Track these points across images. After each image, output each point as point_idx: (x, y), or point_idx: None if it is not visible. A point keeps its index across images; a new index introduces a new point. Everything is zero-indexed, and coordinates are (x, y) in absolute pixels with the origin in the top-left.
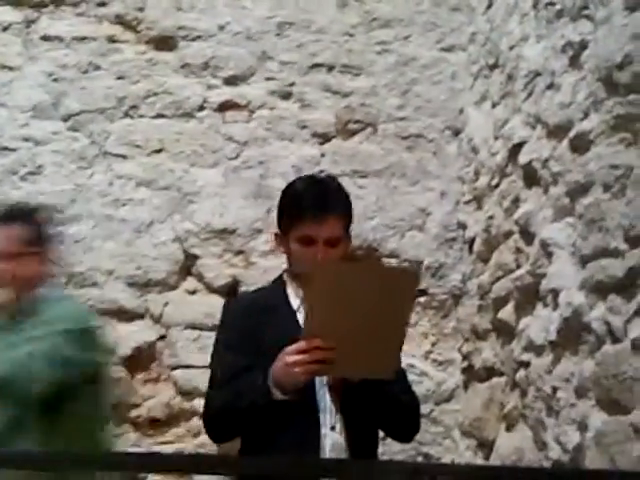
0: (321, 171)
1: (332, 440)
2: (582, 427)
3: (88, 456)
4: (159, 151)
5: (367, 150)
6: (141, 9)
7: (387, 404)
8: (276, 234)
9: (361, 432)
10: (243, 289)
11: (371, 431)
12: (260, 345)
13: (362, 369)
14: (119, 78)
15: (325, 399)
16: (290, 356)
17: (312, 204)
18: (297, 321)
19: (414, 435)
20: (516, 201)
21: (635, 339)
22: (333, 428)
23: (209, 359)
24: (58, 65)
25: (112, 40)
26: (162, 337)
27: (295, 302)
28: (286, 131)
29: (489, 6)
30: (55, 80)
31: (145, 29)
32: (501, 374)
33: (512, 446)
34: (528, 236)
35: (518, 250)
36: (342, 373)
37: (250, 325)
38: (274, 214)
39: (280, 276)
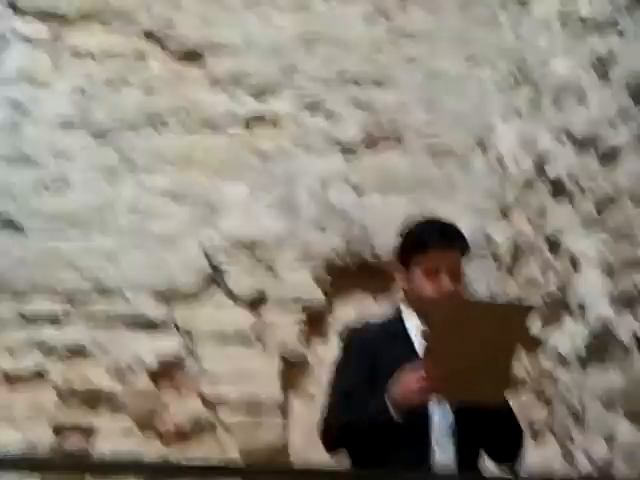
0: None
1: (440, 460)
2: (610, 440)
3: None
4: (187, 165)
5: (394, 164)
6: (169, 24)
7: (498, 425)
8: (399, 270)
9: (471, 454)
10: (269, 302)
11: (478, 454)
12: (377, 370)
13: (475, 393)
14: (147, 93)
15: (438, 419)
16: (409, 380)
17: (438, 236)
18: (414, 350)
19: (518, 458)
20: (543, 214)
21: None
22: (443, 449)
23: (329, 378)
24: (87, 80)
25: (140, 55)
26: (188, 348)
27: (412, 332)
28: (313, 145)
29: (517, 21)
30: (84, 95)
31: (173, 44)
32: (529, 387)
33: (540, 459)
34: (556, 249)
35: (546, 263)
36: (457, 397)
37: (370, 351)
38: (300, 227)
39: (397, 309)
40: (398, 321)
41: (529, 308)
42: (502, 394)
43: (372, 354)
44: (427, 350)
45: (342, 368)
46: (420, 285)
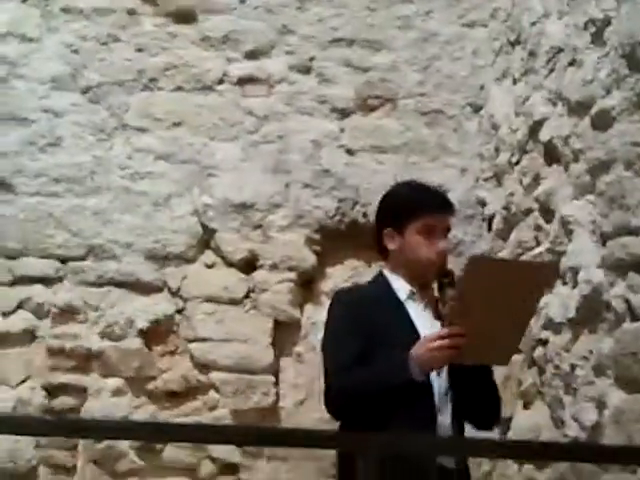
0: None
1: (441, 423)
2: (600, 405)
3: (104, 423)
4: (178, 124)
5: (387, 126)
6: None
7: (489, 391)
8: (388, 231)
9: (461, 417)
10: (261, 264)
11: (463, 418)
12: (372, 334)
13: (488, 357)
14: (139, 50)
15: (436, 383)
16: (433, 341)
17: (435, 200)
18: (406, 314)
19: (496, 424)
20: (536, 178)
21: None
22: (441, 411)
23: (322, 345)
24: (77, 37)
25: (132, 12)
26: (180, 310)
27: (402, 294)
28: (305, 106)
29: None
30: (74, 52)
31: (165, 2)
32: (519, 351)
33: (529, 423)
34: (548, 214)
35: (538, 228)
36: (471, 360)
37: (362, 315)
38: (292, 189)
39: (380, 273)
40: (384, 284)
41: (556, 264)
42: (510, 357)
43: (364, 317)
44: (451, 309)
45: (339, 332)
46: (416, 246)
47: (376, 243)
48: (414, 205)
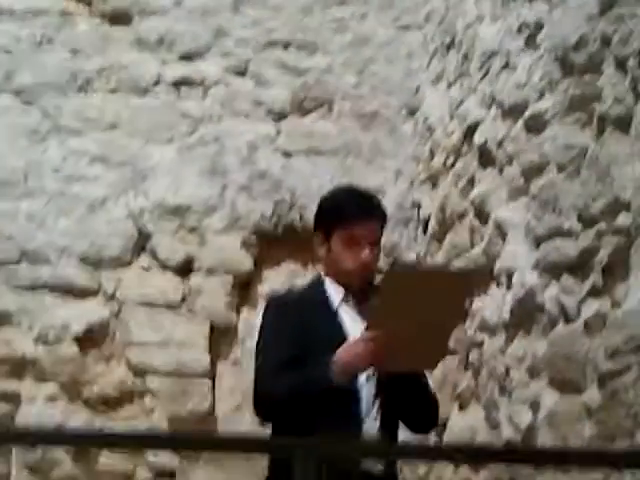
0: None
1: (367, 426)
2: (534, 407)
3: (38, 430)
4: (113, 127)
5: (322, 128)
6: None
7: (418, 396)
8: (318, 237)
9: (392, 421)
10: (197, 268)
11: (396, 423)
12: (305, 339)
13: (413, 363)
14: (73, 52)
15: (366, 388)
16: (353, 346)
17: (360, 207)
18: (338, 319)
19: (433, 427)
20: (471, 181)
21: (588, 319)
22: (369, 416)
23: (256, 349)
24: (10, 38)
25: (66, 14)
26: (115, 314)
27: (335, 301)
28: (241, 108)
29: None
30: (7, 53)
31: (99, 3)
32: (455, 354)
33: (465, 425)
34: (483, 216)
35: (472, 230)
36: (396, 367)
37: (295, 319)
38: (229, 192)
39: (318, 276)
40: (319, 288)
41: (486, 270)
42: (437, 363)
43: (296, 322)
44: (373, 316)
45: (270, 336)
46: (339, 254)
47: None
48: (339, 214)
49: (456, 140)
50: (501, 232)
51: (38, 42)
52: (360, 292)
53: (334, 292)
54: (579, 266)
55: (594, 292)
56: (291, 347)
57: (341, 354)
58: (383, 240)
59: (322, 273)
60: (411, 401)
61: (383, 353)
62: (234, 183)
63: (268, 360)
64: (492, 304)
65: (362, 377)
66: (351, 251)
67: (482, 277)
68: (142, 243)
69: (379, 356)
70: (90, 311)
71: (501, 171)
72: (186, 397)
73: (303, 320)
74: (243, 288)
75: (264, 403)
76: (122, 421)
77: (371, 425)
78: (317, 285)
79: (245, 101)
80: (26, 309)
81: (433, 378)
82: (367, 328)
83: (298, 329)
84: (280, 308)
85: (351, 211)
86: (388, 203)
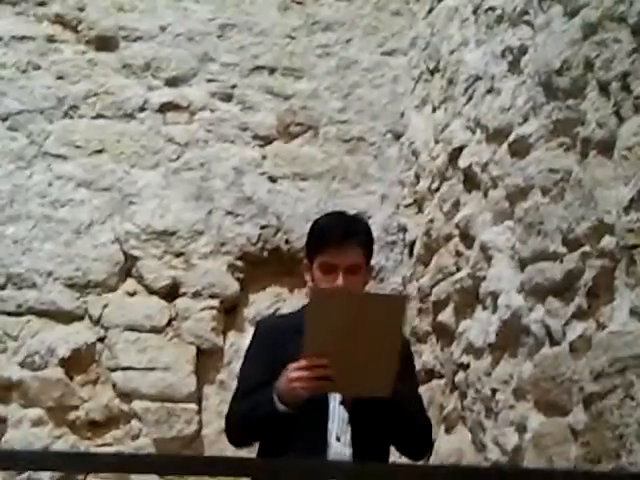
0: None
1: (335, 450)
2: (520, 429)
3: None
4: (99, 152)
5: (308, 153)
6: (81, 9)
7: (397, 421)
8: (305, 264)
9: (369, 446)
10: (183, 292)
11: (380, 447)
12: (277, 365)
13: (358, 388)
14: (59, 78)
15: (335, 411)
16: (292, 372)
17: (334, 233)
18: None
19: (424, 454)
20: (456, 205)
21: (573, 342)
22: (338, 439)
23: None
24: None
25: (52, 40)
26: (101, 339)
27: None
28: (227, 133)
29: (430, 11)
30: None
31: (85, 29)
32: (441, 376)
33: (451, 448)
34: (468, 239)
35: (458, 253)
36: (340, 390)
37: (274, 345)
38: (215, 216)
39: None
40: (300, 315)
41: (403, 300)
42: (387, 389)
43: (275, 348)
44: (306, 340)
45: (247, 362)
46: (318, 281)
47: None
48: (316, 241)
49: (441, 164)
50: (486, 255)
51: (24, 68)
52: None
53: None
54: (564, 288)
55: (579, 314)
56: (263, 373)
57: (279, 381)
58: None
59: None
60: (390, 424)
61: (320, 378)
62: (220, 208)
63: (239, 387)
64: (478, 326)
65: (334, 401)
66: (327, 278)
67: (401, 304)
68: (128, 267)
69: (322, 382)
70: (76, 335)
71: (486, 194)
72: (172, 421)
73: (285, 346)
74: (229, 312)
75: (226, 429)
76: (108, 445)
77: (342, 449)
78: (300, 312)
79: (231, 126)
80: (12, 333)
81: None
82: (303, 353)
83: (272, 355)
84: (261, 335)
85: (326, 237)
86: (374, 227)
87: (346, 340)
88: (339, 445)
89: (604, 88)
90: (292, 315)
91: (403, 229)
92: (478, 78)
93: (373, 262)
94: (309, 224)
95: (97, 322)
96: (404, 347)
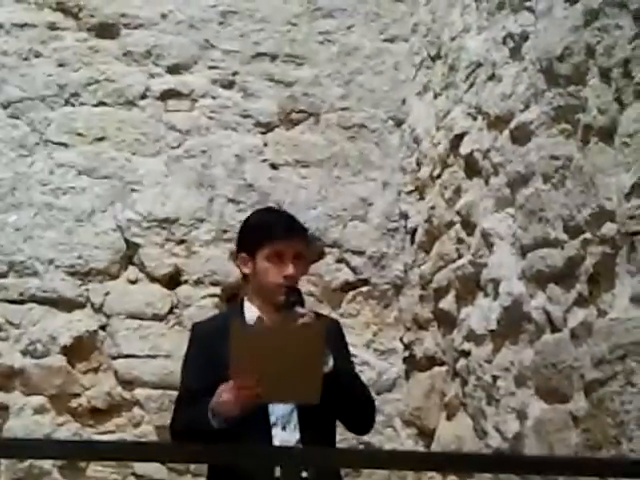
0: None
1: (282, 438)
2: (521, 415)
3: (26, 442)
4: (101, 139)
5: (310, 140)
6: None
7: (341, 397)
8: (240, 256)
9: (316, 428)
10: (185, 279)
11: (327, 428)
12: (218, 367)
13: (293, 395)
14: (60, 65)
15: (275, 406)
16: (223, 394)
17: (280, 226)
18: None
19: (370, 428)
20: (457, 191)
21: (574, 328)
22: (284, 428)
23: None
24: None
25: (53, 27)
26: (103, 326)
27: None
28: (229, 120)
29: None
30: None
31: (87, 16)
32: (442, 363)
33: (453, 435)
34: (469, 226)
35: (459, 240)
36: (278, 399)
37: (210, 346)
38: (216, 203)
39: (241, 300)
40: (238, 313)
41: (319, 327)
42: (317, 395)
43: (212, 349)
44: (233, 363)
45: (187, 367)
46: (265, 271)
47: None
48: (262, 232)
49: (442, 151)
50: (487, 242)
51: (25, 56)
52: (279, 311)
53: (250, 316)
54: (565, 275)
55: (580, 301)
56: (203, 378)
57: (212, 402)
58: (371, 250)
59: (245, 297)
60: (336, 402)
61: (251, 394)
62: (221, 195)
63: (181, 393)
64: (479, 313)
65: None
66: (276, 266)
67: (318, 331)
68: (130, 255)
69: (252, 396)
70: (78, 323)
71: (487, 181)
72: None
73: (219, 348)
74: (231, 299)
75: (170, 433)
76: (110, 433)
77: (289, 437)
78: (237, 310)
79: (232, 113)
80: (14, 321)
81: (421, 388)
82: (231, 373)
83: (213, 358)
84: (196, 339)
85: (274, 229)
86: (375, 214)
87: (271, 359)
88: (285, 433)
89: (605, 75)
90: (228, 313)
91: (404, 216)
92: (479, 65)
93: (374, 249)
94: (311, 211)
95: (99, 310)
96: (336, 329)
